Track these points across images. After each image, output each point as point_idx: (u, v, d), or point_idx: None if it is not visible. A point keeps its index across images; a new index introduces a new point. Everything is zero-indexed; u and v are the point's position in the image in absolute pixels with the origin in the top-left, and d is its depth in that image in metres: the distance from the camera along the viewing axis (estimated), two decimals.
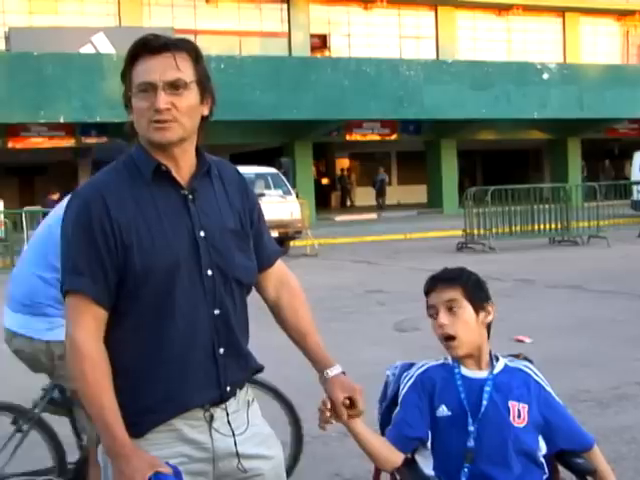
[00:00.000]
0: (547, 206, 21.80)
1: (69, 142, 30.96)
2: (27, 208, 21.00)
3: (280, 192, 21.62)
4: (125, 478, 2.30)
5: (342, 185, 43.39)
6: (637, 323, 9.88)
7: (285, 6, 38.71)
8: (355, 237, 23.96)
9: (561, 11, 43.98)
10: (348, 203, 42.32)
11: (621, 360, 8.08)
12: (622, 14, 45.18)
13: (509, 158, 44.90)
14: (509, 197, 21.46)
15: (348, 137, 35.67)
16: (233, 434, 2.56)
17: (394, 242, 23.35)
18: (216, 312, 2.51)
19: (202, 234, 2.49)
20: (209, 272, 2.49)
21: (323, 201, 38.63)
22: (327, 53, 39.26)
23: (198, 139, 2.56)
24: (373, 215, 35.48)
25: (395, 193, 43.09)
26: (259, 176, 21.28)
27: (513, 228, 21.39)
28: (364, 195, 41.74)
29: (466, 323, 2.85)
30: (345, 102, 30.26)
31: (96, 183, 2.51)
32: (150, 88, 2.41)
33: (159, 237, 2.44)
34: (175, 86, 2.42)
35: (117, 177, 2.50)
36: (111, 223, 2.41)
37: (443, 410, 2.84)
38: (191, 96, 2.46)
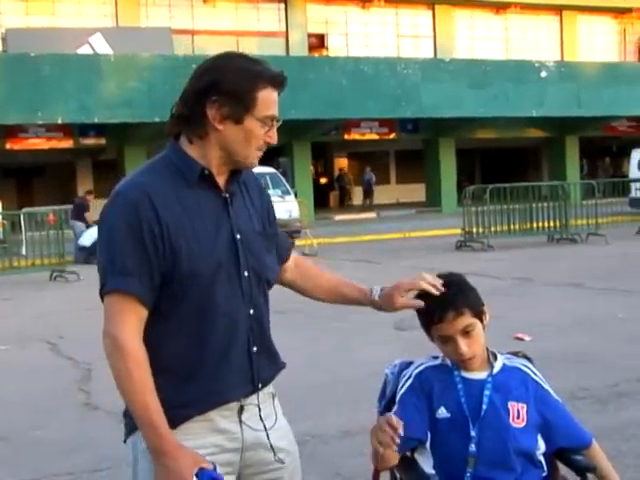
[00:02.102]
0: (545, 204, 21.81)
1: (67, 143, 30.94)
2: (25, 209, 20.99)
3: (279, 192, 21.62)
4: (173, 474, 2.37)
5: (340, 184, 43.36)
6: (636, 320, 9.89)
7: (282, 6, 38.69)
8: (354, 236, 23.94)
9: (558, 9, 43.99)
10: (353, 202, 42.22)
11: (620, 357, 8.08)
12: (619, 12, 45.17)
13: (507, 156, 44.89)
14: (507, 195, 21.47)
15: (346, 136, 35.67)
16: (265, 428, 2.64)
17: (393, 241, 23.34)
18: (251, 312, 2.60)
19: (239, 236, 2.57)
20: (246, 273, 2.58)
21: (322, 201, 38.60)
22: (325, 52, 39.25)
23: None
24: (372, 214, 35.47)
25: (394, 192, 43.09)
26: (257, 176, 21.26)
27: (512, 226, 21.41)
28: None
29: (479, 338, 2.85)
30: (343, 101, 30.25)
31: (140, 183, 2.51)
32: (271, 122, 2.56)
33: (204, 240, 2.50)
34: None
35: (160, 178, 2.53)
36: (160, 225, 2.44)
37: (442, 412, 2.82)
38: None
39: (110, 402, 7.33)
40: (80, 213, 23.11)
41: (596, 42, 45.40)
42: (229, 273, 2.54)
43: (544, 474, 2.88)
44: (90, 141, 31.11)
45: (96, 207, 29.49)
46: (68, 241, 20.69)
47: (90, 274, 18.53)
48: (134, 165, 30.47)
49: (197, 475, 2.36)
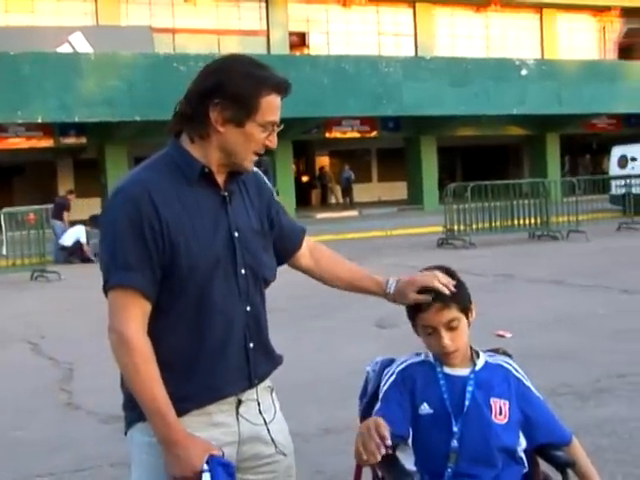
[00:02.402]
0: (526, 201, 21.91)
1: (47, 142, 30.78)
2: (6, 209, 20.83)
3: None
4: (184, 462, 2.43)
5: (322, 183, 43.36)
6: (617, 317, 9.94)
7: (264, 4, 38.60)
8: (336, 234, 23.93)
9: (538, 7, 44.10)
10: (333, 200, 42.20)
11: (601, 353, 8.13)
12: (598, 10, 45.33)
13: (489, 154, 44.99)
14: (489, 193, 21.54)
15: (328, 135, 35.65)
16: (265, 422, 2.71)
17: (375, 239, 23.38)
18: (248, 309, 2.65)
19: (236, 234, 2.62)
20: (243, 271, 2.63)
21: (303, 199, 38.59)
22: (306, 51, 39.21)
23: None
24: (354, 212, 35.47)
25: (375, 190, 43.12)
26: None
27: (493, 224, 21.48)
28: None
29: (463, 333, 2.86)
30: (324, 100, 30.24)
31: (141, 180, 2.57)
32: (272, 128, 2.61)
33: (203, 237, 2.55)
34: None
35: (160, 176, 2.58)
36: (160, 221, 2.50)
37: (425, 408, 2.83)
38: None
39: (91, 402, 7.33)
40: (60, 212, 23.01)
41: (576, 40, 45.55)
42: (226, 270, 2.59)
43: (525, 470, 2.89)
44: (70, 140, 30.95)
45: (78, 207, 29.40)
46: (48, 241, 20.61)
47: (71, 274, 18.50)
48: (115, 164, 30.49)
49: (207, 462, 2.42)
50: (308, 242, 3.01)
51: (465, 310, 2.87)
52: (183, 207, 2.54)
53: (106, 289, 2.54)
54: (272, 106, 2.58)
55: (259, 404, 2.70)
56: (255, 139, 2.58)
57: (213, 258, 2.55)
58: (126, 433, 2.69)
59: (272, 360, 2.79)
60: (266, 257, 2.73)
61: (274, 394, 2.83)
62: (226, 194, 2.63)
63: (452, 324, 2.82)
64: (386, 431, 2.59)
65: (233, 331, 2.61)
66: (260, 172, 2.88)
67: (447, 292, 2.80)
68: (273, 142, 2.62)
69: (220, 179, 2.63)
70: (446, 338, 2.81)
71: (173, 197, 2.54)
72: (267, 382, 2.78)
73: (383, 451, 2.57)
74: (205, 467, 2.41)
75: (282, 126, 2.65)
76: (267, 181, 2.93)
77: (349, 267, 3.06)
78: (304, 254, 2.99)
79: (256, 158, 2.62)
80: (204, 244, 2.54)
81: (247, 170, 2.65)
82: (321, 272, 3.03)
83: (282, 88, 2.61)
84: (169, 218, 2.50)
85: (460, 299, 2.86)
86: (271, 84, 2.58)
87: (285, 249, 2.91)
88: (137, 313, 2.49)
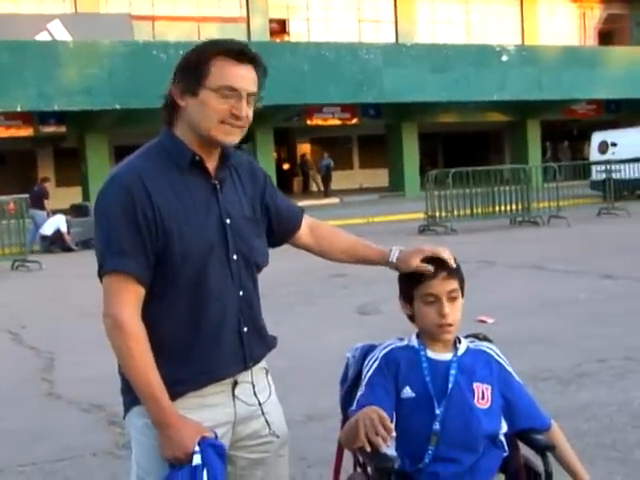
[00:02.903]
0: (508, 187, 21.97)
1: (27, 131, 30.62)
2: None
3: None
4: (176, 444, 2.48)
5: (304, 170, 43.31)
6: (598, 301, 9.99)
7: None
8: None
9: None
10: (315, 188, 42.10)
11: (582, 338, 8.16)
12: None
13: (470, 140, 45.09)
14: (470, 179, 21.60)
15: (309, 122, 35.64)
16: (260, 403, 2.75)
17: (357, 226, 23.32)
18: (241, 294, 2.69)
19: (228, 221, 2.65)
20: (234, 257, 2.66)
21: (285, 187, 38.53)
22: (286, 38, 39.12)
23: None
24: (335, 200, 35.47)
25: (357, 177, 43.12)
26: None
27: (474, 210, 21.55)
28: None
29: (459, 310, 2.89)
30: (305, 87, 30.21)
31: (134, 167, 2.60)
32: (234, 95, 2.56)
33: (195, 223, 2.58)
34: (251, 99, 2.62)
35: (152, 163, 2.62)
36: (152, 208, 2.53)
37: (407, 392, 2.83)
38: (253, 107, 2.66)
39: (73, 392, 7.32)
40: (40, 201, 22.88)
41: (556, 26, 45.61)
42: (220, 257, 2.62)
43: (505, 454, 2.91)
44: (50, 129, 30.79)
45: (58, 195, 29.26)
46: (27, 231, 20.49)
47: (52, 263, 18.43)
48: (95, 153, 30.37)
49: (199, 444, 2.46)
50: (307, 220, 3.04)
51: (462, 287, 2.92)
52: (175, 194, 2.57)
53: (101, 274, 2.57)
54: (223, 70, 2.56)
55: (254, 385, 2.73)
56: (212, 106, 2.55)
57: (206, 244, 2.58)
58: (124, 417, 2.73)
59: (266, 343, 2.82)
60: (258, 243, 2.75)
61: (269, 376, 2.86)
62: (216, 182, 2.65)
63: (453, 294, 2.86)
64: (390, 423, 2.60)
65: (227, 316, 2.65)
66: (252, 159, 2.91)
67: (453, 264, 2.85)
68: (239, 109, 2.56)
69: (211, 166, 2.65)
70: (448, 307, 2.83)
71: (165, 184, 2.57)
72: (262, 363, 2.82)
73: (389, 443, 2.58)
74: (197, 448, 2.45)
75: (256, 97, 2.63)
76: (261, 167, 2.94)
77: (350, 239, 3.11)
78: (304, 232, 3.02)
79: (228, 129, 2.57)
80: (196, 231, 2.57)
81: (219, 141, 2.60)
82: (322, 247, 3.07)
83: (233, 51, 2.58)
84: (162, 205, 2.54)
85: (460, 274, 2.92)
86: (219, 48, 2.59)
87: (285, 230, 2.95)
88: (131, 298, 2.52)
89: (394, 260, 2.95)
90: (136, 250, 2.51)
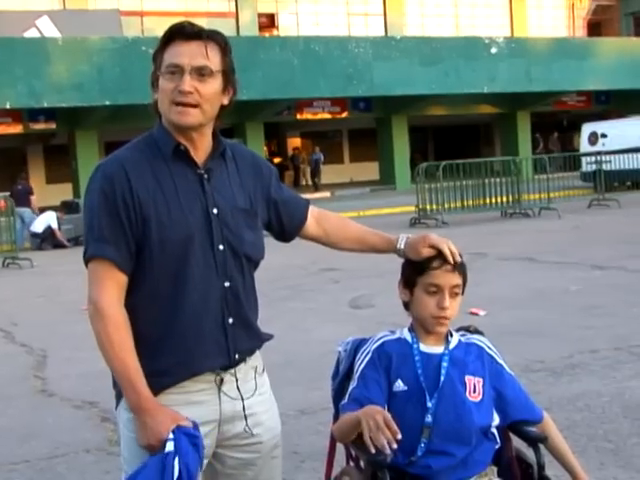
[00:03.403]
0: (498, 180, 21.99)
1: (16, 128, 30.56)
2: None
3: None
4: (150, 431, 2.48)
5: (295, 164, 43.30)
6: (589, 293, 10.02)
7: None
8: None
9: None
10: (303, 182, 42.09)
11: (573, 329, 8.19)
12: None
13: (460, 133, 45.11)
14: (460, 172, 21.60)
15: (299, 116, 35.64)
16: (242, 398, 2.70)
17: None
18: (226, 284, 2.66)
19: (215, 211, 2.63)
20: (220, 247, 2.64)
21: None
22: (275, 32, 39.08)
23: (215, 124, 2.71)
24: (326, 194, 35.46)
25: (347, 171, 43.09)
26: None
27: (465, 202, 21.56)
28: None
29: (457, 306, 2.90)
30: (295, 81, 30.19)
31: (119, 157, 2.64)
32: (178, 71, 2.56)
33: (175, 211, 2.58)
34: (201, 73, 2.56)
35: (139, 153, 2.65)
36: (132, 196, 2.55)
37: (399, 385, 2.84)
38: (215, 84, 2.61)
39: (65, 388, 7.31)
40: (27, 198, 22.81)
41: (545, 18, 45.67)
42: (203, 246, 2.61)
43: (497, 446, 2.92)
44: (40, 126, 30.73)
45: (48, 192, 29.15)
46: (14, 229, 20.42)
47: (43, 261, 18.40)
48: (85, 149, 30.31)
49: (174, 432, 2.44)
50: (313, 212, 3.04)
51: (464, 285, 2.92)
52: (158, 183, 2.59)
53: (85, 261, 2.61)
54: (172, 52, 2.57)
55: (237, 381, 2.69)
56: (163, 89, 2.58)
57: (186, 233, 2.58)
58: (116, 409, 2.73)
59: (256, 336, 2.78)
60: (249, 235, 2.72)
61: (264, 376, 2.83)
62: (203, 172, 2.65)
63: (455, 290, 2.87)
64: (395, 425, 2.58)
65: (209, 306, 2.63)
66: (257, 153, 2.92)
67: (451, 261, 2.85)
68: (182, 85, 2.54)
69: (201, 156, 2.66)
70: (448, 301, 2.84)
71: (148, 173, 2.59)
72: (254, 362, 2.77)
73: (394, 446, 2.56)
74: (170, 436, 2.43)
75: (212, 70, 2.58)
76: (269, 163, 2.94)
77: (357, 228, 3.11)
78: (311, 224, 3.02)
79: (179, 109, 2.56)
80: (177, 219, 2.57)
81: (177, 123, 2.59)
82: (330, 237, 3.07)
83: (177, 33, 2.58)
84: (141, 193, 2.56)
85: (465, 272, 2.93)
86: (167, 34, 2.60)
87: (292, 223, 2.95)
88: (111, 284, 2.54)
89: (402, 247, 2.96)
90: (116, 237, 2.54)
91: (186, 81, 2.54)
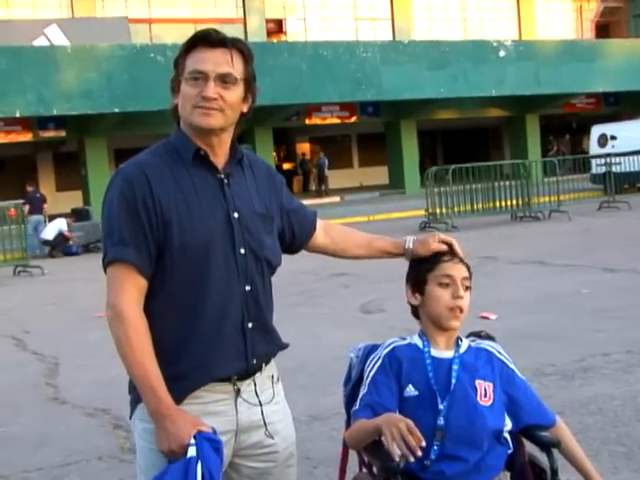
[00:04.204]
0: (508, 183, 21.96)
1: (26, 136, 30.63)
2: None
3: None
4: (172, 436, 2.45)
5: (304, 169, 43.31)
6: (600, 295, 9.99)
7: None
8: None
9: None
10: (313, 187, 42.07)
11: (585, 332, 8.16)
12: None
13: (469, 136, 45.07)
14: (470, 175, 21.59)
15: (308, 121, 35.64)
16: (260, 404, 2.70)
17: (357, 224, 23.31)
18: (247, 288, 2.66)
19: (236, 215, 2.64)
20: (242, 250, 2.65)
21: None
22: (283, 38, 39.11)
23: (234, 132, 2.72)
24: (336, 198, 35.47)
25: (357, 175, 43.10)
26: None
27: (475, 206, 21.54)
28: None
29: (468, 302, 2.93)
30: (303, 86, 30.21)
31: (139, 162, 2.65)
32: (202, 77, 2.58)
33: (197, 215, 2.59)
34: (225, 80, 2.59)
35: (158, 158, 2.66)
36: (153, 200, 2.55)
37: (410, 390, 2.84)
38: (238, 92, 2.64)
39: (77, 396, 7.32)
40: (41, 206, 22.91)
41: (553, 20, 45.59)
42: (225, 250, 2.61)
43: (509, 451, 2.91)
44: (50, 133, 30.80)
45: (59, 200, 29.20)
46: (28, 236, 20.48)
47: (54, 268, 18.43)
48: (95, 156, 30.37)
49: (195, 437, 2.43)
50: (319, 222, 3.07)
51: (470, 279, 2.95)
52: (179, 187, 2.59)
53: (104, 265, 2.60)
54: (195, 58, 2.60)
55: (255, 385, 2.69)
56: (186, 94, 2.60)
57: (207, 237, 2.58)
58: (130, 417, 2.72)
59: (273, 342, 2.78)
60: (269, 240, 2.74)
61: (279, 385, 2.83)
62: (223, 176, 2.66)
63: (466, 283, 2.91)
64: (420, 433, 2.58)
65: (230, 309, 2.62)
66: (266, 163, 2.94)
67: (461, 255, 2.94)
68: (206, 89, 2.56)
69: (221, 161, 2.67)
70: (462, 290, 2.88)
71: (169, 178, 2.60)
72: (270, 371, 2.78)
73: (419, 453, 2.56)
74: (192, 441, 2.43)
75: (236, 78, 2.61)
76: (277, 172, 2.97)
77: (363, 234, 3.14)
78: (320, 233, 3.04)
79: (202, 111, 2.58)
80: (198, 223, 2.57)
81: (199, 125, 2.60)
82: (338, 245, 3.09)
83: (202, 39, 2.61)
84: (163, 197, 2.56)
85: (470, 270, 2.97)
86: (191, 41, 2.63)
87: (303, 233, 2.97)
88: (131, 288, 2.53)
89: (410, 246, 3.00)
90: (137, 240, 2.54)
91: (210, 87, 2.56)
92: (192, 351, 2.59)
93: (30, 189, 23.72)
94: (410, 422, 2.61)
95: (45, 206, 23.16)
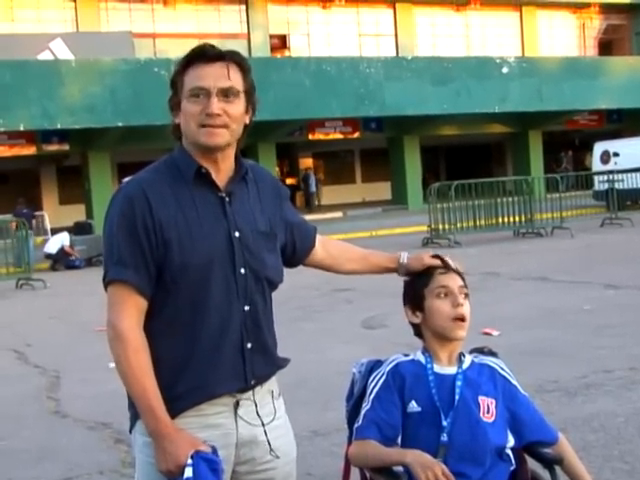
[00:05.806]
0: (510, 199, 21.96)
1: (30, 150, 30.68)
2: None
3: None
4: (169, 456, 2.45)
5: (306, 184, 43.26)
6: (602, 312, 9.97)
7: (243, 7, 38.56)
8: (321, 236, 23.89)
9: (518, 5, 44.20)
10: (316, 202, 42.05)
11: (587, 349, 8.15)
12: (578, 7, 45.48)
13: (472, 152, 45.09)
14: (472, 191, 21.58)
15: (311, 136, 35.67)
16: (262, 424, 2.68)
17: (360, 240, 23.34)
18: (246, 308, 2.64)
19: (237, 235, 2.62)
20: (242, 270, 2.63)
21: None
22: (287, 53, 39.19)
23: (238, 145, 2.71)
24: (339, 214, 35.47)
25: (359, 191, 43.12)
26: None
27: (477, 222, 21.52)
28: (330, 194, 41.72)
29: (469, 310, 2.94)
30: (306, 102, 30.25)
31: (140, 181, 2.63)
32: (203, 93, 2.56)
33: (197, 235, 2.57)
34: (227, 94, 2.57)
35: (159, 176, 2.64)
36: (153, 219, 2.54)
37: (413, 406, 2.83)
38: (240, 105, 2.62)
39: (79, 409, 7.31)
40: (30, 221, 23.11)
41: (556, 37, 45.70)
42: (224, 269, 2.60)
43: (512, 467, 2.90)
44: (53, 147, 30.86)
45: (62, 213, 29.19)
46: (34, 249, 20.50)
47: (57, 281, 18.43)
48: (99, 170, 30.42)
49: (192, 457, 2.42)
50: (319, 239, 3.09)
51: (466, 288, 2.97)
52: (179, 206, 2.57)
53: (105, 284, 2.59)
54: (194, 75, 2.58)
55: (256, 405, 2.67)
56: (188, 112, 2.57)
57: (208, 257, 2.56)
58: (130, 431, 2.71)
59: (273, 362, 2.76)
60: (270, 258, 2.72)
61: (280, 400, 2.81)
62: (224, 195, 2.63)
63: (464, 290, 2.93)
64: (453, 478, 2.61)
65: (229, 331, 2.60)
66: (271, 174, 2.94)
67: (453, 268, 2.97)
68: (209, 106, 2.54)
69: (223, 178, 2.65)
70: (461, 299, 2.89)
71: (169, 196, 2.58)
72: (270, 385, 2.76)
73: None
74: (189, 461, 2.42)
75: (237, 91, 2.60)
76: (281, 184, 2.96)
77: (359, 249, 3.16)
78: (318, 248, 3.05)
79: (208, 130, 2.56)
80: (198, 242, 2.56)
81: (206, 145, 2.58)
82: (335, 259, 3.10)
83: (199, 55, 2.59)
84: (162, 216, 2.54)
85: (464, 278, 2.98)
86: (188, 57, 2.61)
87: (303, 247, 2.97)
88: (131, 308, 2.53)
89: (405, 261, 3.03)
90: (136, 261, 2.53)
91: (214, 103, 2.54)
92: (191, 370, 2.58)
93: (19, 206, 23.85)
94: (444, 467, 2.62)
95: (33, 222, 23.23)
